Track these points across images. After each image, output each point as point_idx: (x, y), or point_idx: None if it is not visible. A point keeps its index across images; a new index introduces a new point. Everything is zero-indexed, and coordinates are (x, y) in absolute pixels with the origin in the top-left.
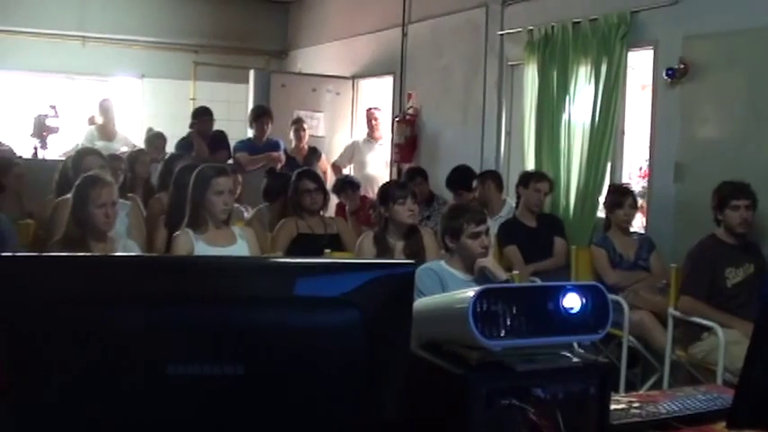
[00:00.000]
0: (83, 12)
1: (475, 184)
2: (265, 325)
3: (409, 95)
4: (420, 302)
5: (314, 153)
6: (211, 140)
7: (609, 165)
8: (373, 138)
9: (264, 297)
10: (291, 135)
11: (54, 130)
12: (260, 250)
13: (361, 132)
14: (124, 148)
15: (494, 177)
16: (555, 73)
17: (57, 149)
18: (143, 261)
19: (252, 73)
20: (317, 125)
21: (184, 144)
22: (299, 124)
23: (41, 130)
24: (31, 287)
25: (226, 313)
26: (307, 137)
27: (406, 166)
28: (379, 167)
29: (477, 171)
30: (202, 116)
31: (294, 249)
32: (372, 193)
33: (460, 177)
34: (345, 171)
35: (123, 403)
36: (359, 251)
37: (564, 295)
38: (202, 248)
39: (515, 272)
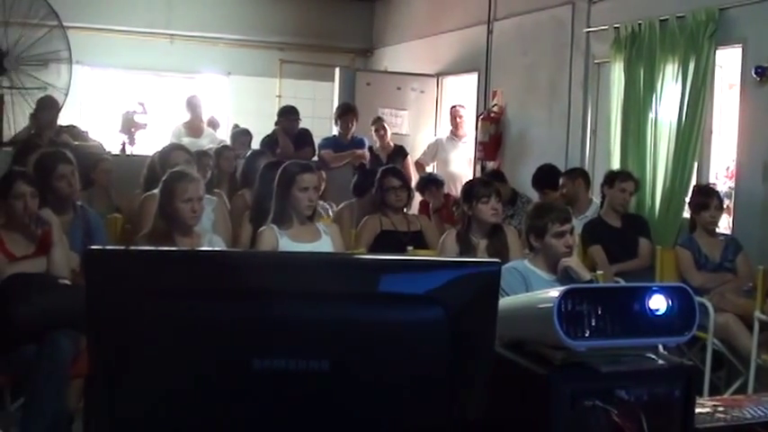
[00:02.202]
0: (171, 10)
1: (563, 181)
2: (350, 321)
3: (494, 93)
4: (503, 302)
5: (400, 152)
6: (296, 138)
7: (695, 165)
8: (457, 136)
9: (349, 293)
10: (373, 135)
11: (142, 127)
12: (344, 246)
13: (444, 130)
14: (211, 145)
15: (583, 175)
16: (641, 71)
17: (144, 145)
18: (229, 256)
19: (337, 71)
20: (401, 123)
21: (269, 141)
22: (378, 123)
23: (129, 127)
24: (119, 281)
25: (311, 309)
26: (389, 135)
27: (489, 165)
28: (462, 165)
29: (562, 170)
30: (288, 115)
31: (377, 246)
32: (456, 190)
33: (546, 176)
34: (429, 169)
35: (208, 397)
36: (441, 249)
37: (650, 296)
38: (287, 244)
39: (599, 272)
